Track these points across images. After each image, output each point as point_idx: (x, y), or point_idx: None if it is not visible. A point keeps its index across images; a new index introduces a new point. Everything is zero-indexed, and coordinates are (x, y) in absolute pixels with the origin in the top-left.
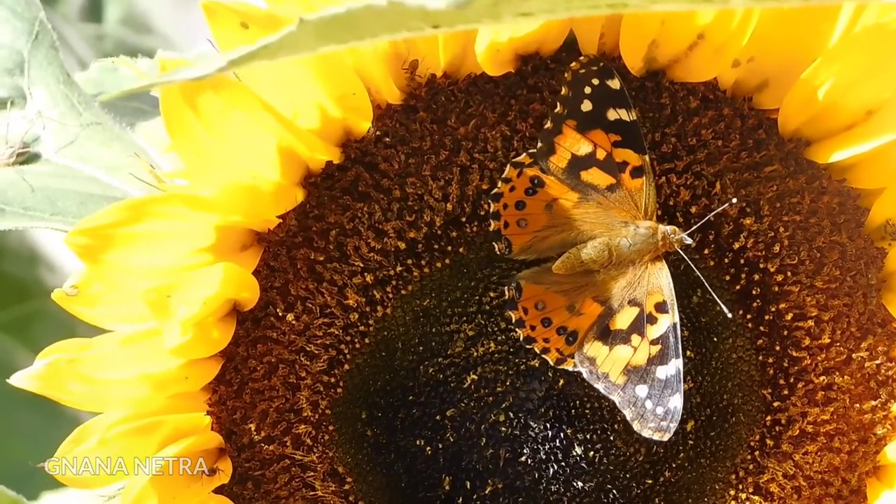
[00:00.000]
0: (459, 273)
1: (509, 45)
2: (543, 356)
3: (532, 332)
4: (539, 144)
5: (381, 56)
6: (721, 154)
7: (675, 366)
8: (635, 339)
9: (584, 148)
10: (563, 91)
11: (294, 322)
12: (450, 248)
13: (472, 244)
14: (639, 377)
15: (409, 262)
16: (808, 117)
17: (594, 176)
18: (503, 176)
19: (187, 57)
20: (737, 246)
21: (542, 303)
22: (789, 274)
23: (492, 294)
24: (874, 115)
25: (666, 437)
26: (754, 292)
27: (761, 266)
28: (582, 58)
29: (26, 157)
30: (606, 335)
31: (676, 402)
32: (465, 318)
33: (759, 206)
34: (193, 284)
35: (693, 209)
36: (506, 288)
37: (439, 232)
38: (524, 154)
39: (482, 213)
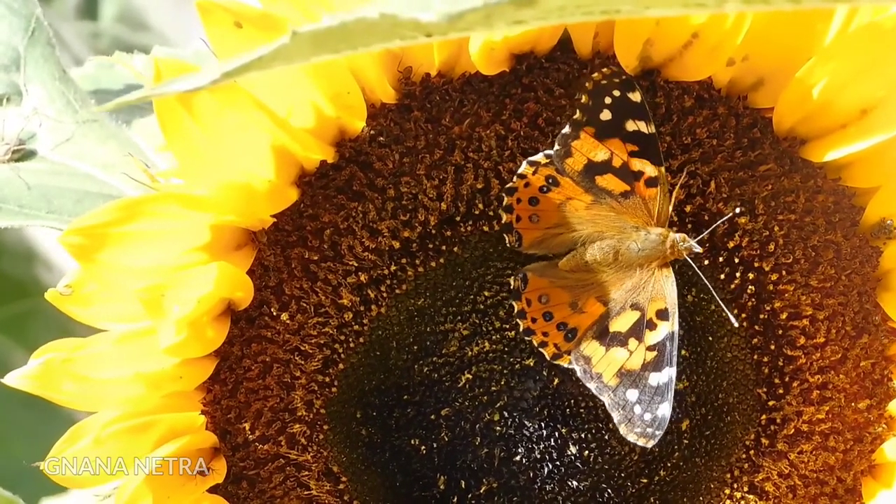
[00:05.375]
0: (454, 272)
1: (504, 44)
2: (541, 350)
3: (532, 324)
4: (556, 147)
5: (375, 56)
6: (716, 153)
7: (668, 374)
8: (632, 343)
9: (600, 154)
10: (584, 99)
11: (288, 321)
12: (444, 247)
13: (466, 243)
14: (631, 381)
15: (404, 261)
16: (803, 116)
17: (609, 181)
18: (519, 171)
19: (183, 55)
20: (731, 245)
21: (545, 296)
22: (784, 273)
23: (486, 293)
24: (869, 114)
25: (650, 444)
26: (749, 291)
27: (756, 265)
28: (605, 69)
29: (22, 155)
30: (604, 336)
31: (665, 410)
32: (459, 318)
33: (753, 205)
34: (188, 284)
35: (688, 208)
36: (511, 278)
37: (434, 231)
38: (541, 154)
39: (476, 212)
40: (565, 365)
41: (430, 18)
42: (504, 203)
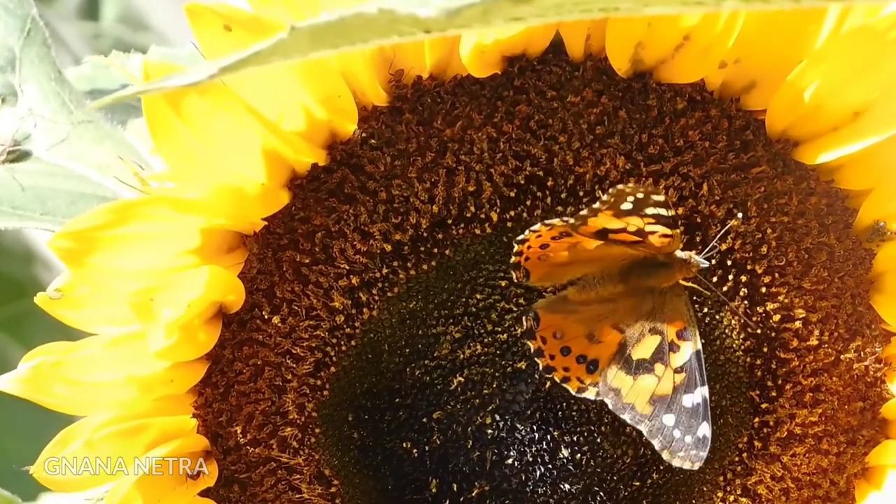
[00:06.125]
0: (445, 275)
1: (495, 46)
2: (564, 385)
3: (552, 361)
4: (572, 220)
5: (366, 58)
6: (708, 155)
7: (700, 394)
8: (659, 368)
9: (617, 225)
10: (605, 198)
11: (280, 324)
12: (436, 250)
13: (458, 246)
14: (665, 406)
15: (395, 264)
16: (796, 118)
17: (622, 237)
18: (532, 228)
19: (178, 55)
20: (724, 247)
21: (560, 332)
22: (777, 275)
23: (478, 296)
24: (861, 117)
25: (697, 466)
26: (742, 294)
27: (749, 267)
28: (631, 185)
29: (17, 156)
30: (630, 365)
31: (704, 430)
32: (451, 321)
33: (746, 208)
34: (178, 287)
35: (680, 210)
36: (523, 318)
37: (425, 234)
38: (557, 219)
39: (468, 214)
40: (592, 397)
41: (428, 14)
42: (514, 250)
